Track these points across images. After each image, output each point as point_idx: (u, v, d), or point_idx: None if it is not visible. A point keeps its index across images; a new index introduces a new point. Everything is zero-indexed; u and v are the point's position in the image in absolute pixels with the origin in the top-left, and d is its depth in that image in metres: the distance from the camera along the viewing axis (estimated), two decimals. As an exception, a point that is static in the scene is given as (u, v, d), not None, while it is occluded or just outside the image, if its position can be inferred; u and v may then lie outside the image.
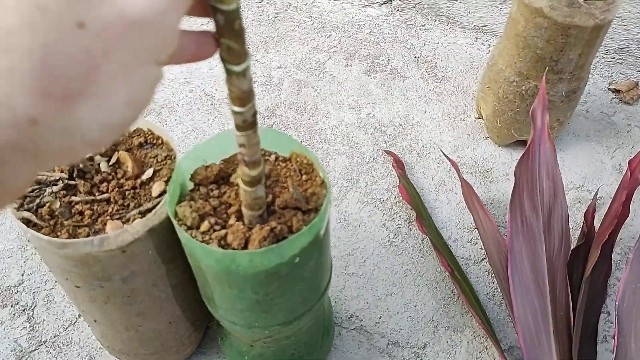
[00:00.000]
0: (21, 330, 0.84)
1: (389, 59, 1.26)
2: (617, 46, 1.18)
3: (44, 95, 0.20)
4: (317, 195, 0.53)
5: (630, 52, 1.17)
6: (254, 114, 0.39)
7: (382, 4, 1.37)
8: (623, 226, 0.91)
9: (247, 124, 0.39)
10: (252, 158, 0.43)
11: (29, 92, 0.19)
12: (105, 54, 0.21)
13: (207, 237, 0.51)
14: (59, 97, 0.20)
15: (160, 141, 0.62)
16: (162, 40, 0.23)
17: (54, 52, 0.19)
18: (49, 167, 0.22)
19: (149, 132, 0.63)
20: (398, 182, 1.01)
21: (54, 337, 0.84)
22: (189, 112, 1.15)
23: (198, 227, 0.52)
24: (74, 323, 0.85)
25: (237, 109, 0.38)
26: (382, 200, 1.00)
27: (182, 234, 0.50)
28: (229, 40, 0.30)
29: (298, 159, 0.56)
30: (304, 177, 0.55)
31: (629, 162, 0.90)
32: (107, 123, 0.22)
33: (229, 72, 0.34)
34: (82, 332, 0.84)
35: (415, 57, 1.27)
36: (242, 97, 0.36)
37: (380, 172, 1.04)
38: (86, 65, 0.20)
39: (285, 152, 0.57)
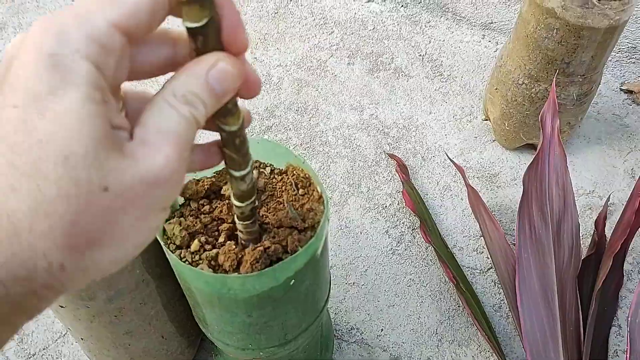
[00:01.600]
0: (10, 342, 0.81)
1: (392, 57, 1.22)
2: (630, 45, 1.14)
3: (70, 247, 0.24)
4: (315, 212, 0.50)
5: (643, 52, 1.13)
6: (253, 208, 0.42)
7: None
8: (636, 234, 0.87)
9: (245, 216, 0.42)
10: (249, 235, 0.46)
11: (61, 247, 0.24)
12: (123, 210, 0.25)
13: (197, 257, 0.48)
14: (82, 247, 0.25)
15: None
16: (172, 192, 0.27)
17: (82, 214, 0.24)
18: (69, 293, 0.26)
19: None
20: (402, 187, 0.97)
21: (43, 349, 0.81)
22: (185, 113, 1.11)
23: (188, 247, 0.49)
24: (64, 335, 0.82)
25: (237, 203, 0.40)
26: (384, 206, 0.97)
27: (170, 256, 0.47)
28: (230, 152, 0.34)
29: (294, 172, 0.53)
30: (301, 191, 0.52)
31: (643, 168, 0.86)
32: (117, 261, 0.26)
33: (230, 175, 0.37)
34: (71, 344, 0.81)
35: (420, 55, 1.23)
36: (242, 195, 0.39)
37: (383, 177, 1.01)
38: (106, 220, 0.25)
39: (281, 164, 0.54)
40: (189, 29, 0.27)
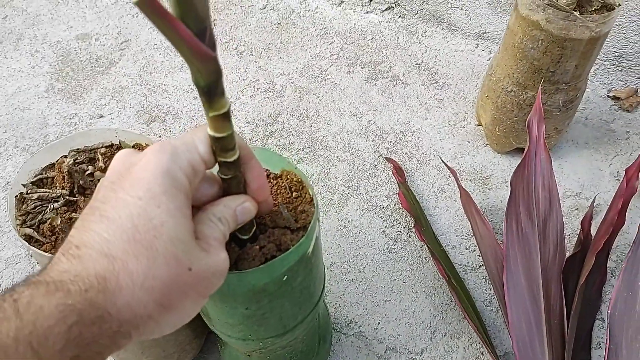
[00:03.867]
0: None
1: (390, 66, 1.28)
2: (616, 53, 1.18)
3: (161, 304, 0.33)
4: (306, 213, 0.54)
5: (629, 60, 1.18)
6: None
7: (384, 10, 1.39)
8: (619, 234, 0.92)
9: None
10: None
11: (156, 302, 0.33)
12: (196, 285, 0.35)
13: None
14: (166, 306, 0.34)
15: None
16: (220, 281, 0.38)
17: (174, 282, 0.33)
18: (139, 340, 0.35)
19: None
20: (398, 189, 1.02)
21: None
22: (192, 119, 1.17)
23: None
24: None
25: None
26: (382, 207, 1.02)
27: None
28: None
29: (288, 177, 0.57)
30: (294, 194, 0.57)
31: (626, 171, 0.91)
32: (174, 325, 0.36)
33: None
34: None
35: (416, 64, 1.28)
36: None
37: (381, 179, 1.06)
38: (183, 291, 0.34)
39: (277, 169, 0.59)
40: (221, 178, 0.41)
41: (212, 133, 0.37)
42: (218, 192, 0.42)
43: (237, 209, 0.41)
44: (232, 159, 0.40)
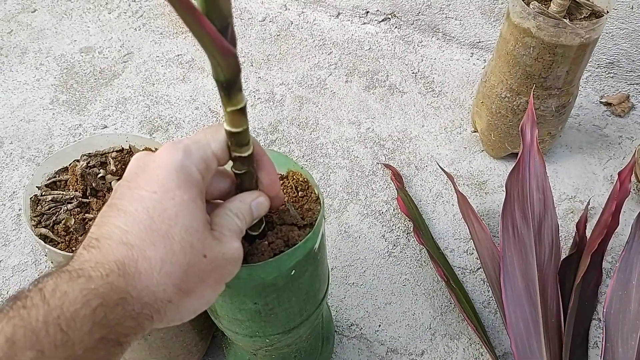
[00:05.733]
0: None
1: (387, 75, 1.30)
2: (608, 60, 1.21)
3: (180, 288, 0.35)
4: (312, 211, 0.57)
5: (620, 66, 1.21)
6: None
7: (380, 21, 1.42)
8: (614, 236, 0.94)
9: None
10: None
11: (175, 286, 0.35)
12: (211, 272, 0.37)
13: None
14: (185, 290, 0.36)
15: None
16: (235, 268, 0.40)
17: (190, 267, 0.36)
18: (158, 326, 0.37)
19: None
20: (396, 194, 1.04)
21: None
22: (195, 128, 1.19)
23: None
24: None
25: None
26: (381, 212, 1.04)
27: None
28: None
29: (294, 177, 0.60)
30: (300, 193, 0.59)
31: (619, 174, 0.93)
32: (194, 310, 0.38)
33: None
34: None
35: (413, 73, 1.31)
36: None
37: (380, 185, 1.08)
38: (200, 277, 0.37)
39: (283, 170, 0.61)
40: (235, 173, 0.43)
41: (228, 128, 0.39)
42: (230, 187, 0.44)
43: (252, 203, 0.43)
44: (246, 154, 0.41)
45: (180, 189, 0.36)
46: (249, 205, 0.43)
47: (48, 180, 0.59)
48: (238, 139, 0.40)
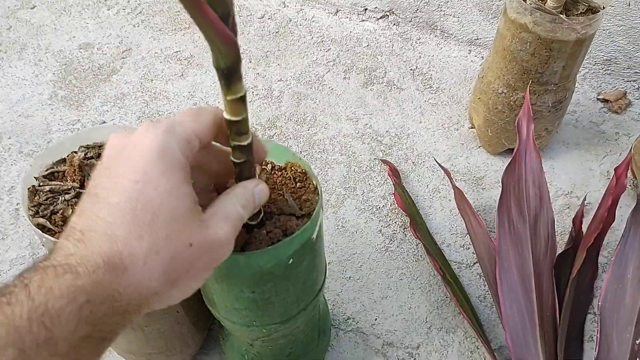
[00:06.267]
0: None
1: (385, 72, 1.31)
2: (605, 57, 1.22)
3: (166, 278, 0.35)
4: (310, 202, 0.57)
5: (617, 63, 1.21)
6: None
7: (379, 19, 1.42)
8: (610, 231, 0.94)
9: None
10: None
11: (161, 277, 0.35)
12: (197, 260, 0.37)
13: None
14: (171, 280, 0.35)
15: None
16: (225, 254, 0.39)
17: (176, 257, 0.35)
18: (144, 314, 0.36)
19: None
20: (394, 190, 1.05)
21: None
22: (193, 125, 1.19)
23: None
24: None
25: None
26: (378, 207, 1.05)
27: None
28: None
29: (292, 168, 0.60)
30: (298, 184, 0.59)
31: (615, 169, 0.93)
32: (181, 297, 0.38)
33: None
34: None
35: (411, 70, 1.31)
36: None
37: (377, 181, 1.09)
38: (186, 267, 0.36)
39: (281, 161, 0.62)
40: (234, 162, 0.44)
41: (228, 117, 0.39)
42: (225, 164, 0.44)
43: (255, 189, 0.43)
44: (245, 143, 0.42)
45: (164, 175, 0.35)
46: (252, 192, 0.43)
47: (46, 171, 0.59)
48: (237, 127, 0.40)
